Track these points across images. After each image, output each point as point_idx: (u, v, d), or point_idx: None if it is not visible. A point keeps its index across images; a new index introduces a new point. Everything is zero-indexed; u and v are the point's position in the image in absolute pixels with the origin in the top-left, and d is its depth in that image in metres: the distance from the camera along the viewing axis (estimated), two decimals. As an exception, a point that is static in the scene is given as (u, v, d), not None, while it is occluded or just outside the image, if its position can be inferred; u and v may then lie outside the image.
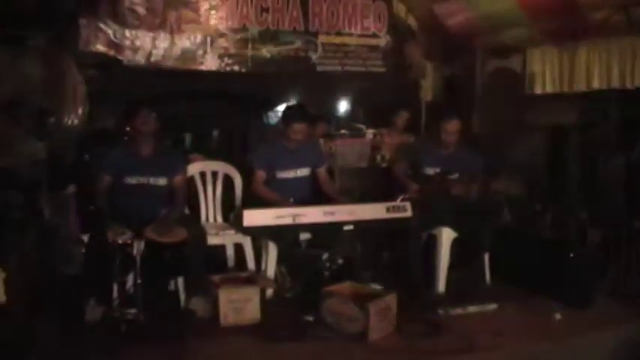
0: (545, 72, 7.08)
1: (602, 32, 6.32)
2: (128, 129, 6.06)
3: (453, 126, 6.02)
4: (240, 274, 5.50)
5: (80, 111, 4.82)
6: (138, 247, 4.69)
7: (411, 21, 8.65)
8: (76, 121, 4.77)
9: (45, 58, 4.56)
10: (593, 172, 6.63)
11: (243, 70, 7.85)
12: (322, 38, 8.17)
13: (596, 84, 6.53)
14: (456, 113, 6.14)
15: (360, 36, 8.41)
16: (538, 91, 7.17)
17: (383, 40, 8.53)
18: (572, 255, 5.62)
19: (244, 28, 7.80)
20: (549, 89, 7.06)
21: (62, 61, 4.88)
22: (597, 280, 5.80)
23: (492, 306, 5.44)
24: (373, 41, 8.49)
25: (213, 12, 7.62)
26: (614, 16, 6.06)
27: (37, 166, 4.86)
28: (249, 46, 7.82)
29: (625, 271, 5.89)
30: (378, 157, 7.18)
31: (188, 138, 9.02)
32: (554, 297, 5.58)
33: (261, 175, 5.91)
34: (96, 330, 4.71)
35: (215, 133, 9.42)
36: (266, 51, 7.91)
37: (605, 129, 6.58)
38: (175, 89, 7.71)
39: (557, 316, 5.21)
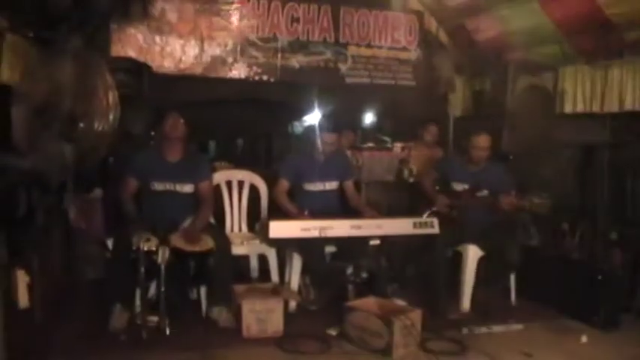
0: (577, 91, 6.98)
1: (636, 52, 6.24)
2: (153, 134, 6.07)
3: (482, 142, 5.96)
4: (264, 285, 5.47)
5: (111, 116, 4.81)
6: (162, 255, 4.66)
7: (442, 35, 8.61)
8: (106, 127, 4.76)
9: (77, 62, 4.55)
10: (622, 192, 6.54)
11: (272, 80, 7.83)
12: (352, 50, 8.15)
13: (628, 105, 6.42)
14: (486, 129, 6.09)
15: (390, 49, 8.38)
16: (569, 109, 7.08)
17: (413, 54, 8.49)
18: (600, 277, 5.55)
19: (274, 38, 7.79)
20: (580, 108, 6.96)
21: (94, 65, 4.88)
22: (625, 302, 5.73)
23: (518, 326, 5.38)
24: (403, 54, 8.45)
25: (243, 20, 7.62)
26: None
27: (64, 169, 4.84)
28: (279, 55, 7.81)
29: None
30: (406, 171, 7.12)
31: (213, 145, 9.02)
32: (580, 318, 5.53)
33: (284, 184, 5.90)
34: (119, 335, 4.69)
35: (240, 141, 9.43)
36: (295, 61, 7.90)
37: (635, 149, 6.49)
38: (203, 96, 7.71)
39: (584, 338, 5.13)
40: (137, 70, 6.85)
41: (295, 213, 5.66)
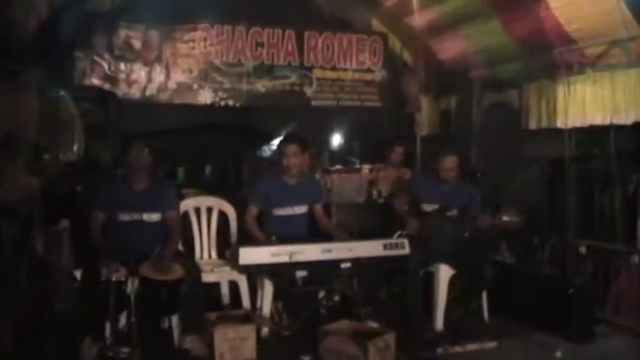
0: (541, 106, 7.06)
1: (598, 66, 6.30)
2: (119, 162, 6.03)
3: (450, 162, 5.98)
4: (236, 312, 5.42)
5: (76, 147, 4.78)
6: (132, 285, 4.60)
7: (406, 56, 8.66)
8: (71, 157, 4.72)
9: (41, 93, 4.53)
10: (590, 205, 6.60)
11: (238, 105, 7.81)
12: (317, 73, 8.16)
13: (591, 119, 6.49)
14: (453, 149, 6.11)
15: (355, 71, 8.40)
16: (534, 125, 7.15)
17: (378, 75, 8.51)
18: (571, 291, 5.58)
19: (239, 63, 7.77)
20: (545, 124, 7.04)
21: (58, 96, 4.85)
22: (597, 314, 5.76)
23: (492, 344, 5.38)
24: (368, 76, 8.47)
25: (208, 46, 7.59)
26: (610, 50, 6.06)
27: (30, 200, 4.79)
28: (244, 80, 7.80)
29: (625, 303, 5.84)
30: (375, 193, 7.13)
31: (181, 172, 8.97)
32: (554, 333, 5.53)
33: (253, 210, 5.84)
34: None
35: (209, 167, 9.39)
36: (261, 85, 7.89)
37: (602, 162, 6.55)
38: (170, 123, 7.68)
39: (558, 353, 5.14)
40: (103, 98, 6.81)
41: (262, 241, 5.63)
